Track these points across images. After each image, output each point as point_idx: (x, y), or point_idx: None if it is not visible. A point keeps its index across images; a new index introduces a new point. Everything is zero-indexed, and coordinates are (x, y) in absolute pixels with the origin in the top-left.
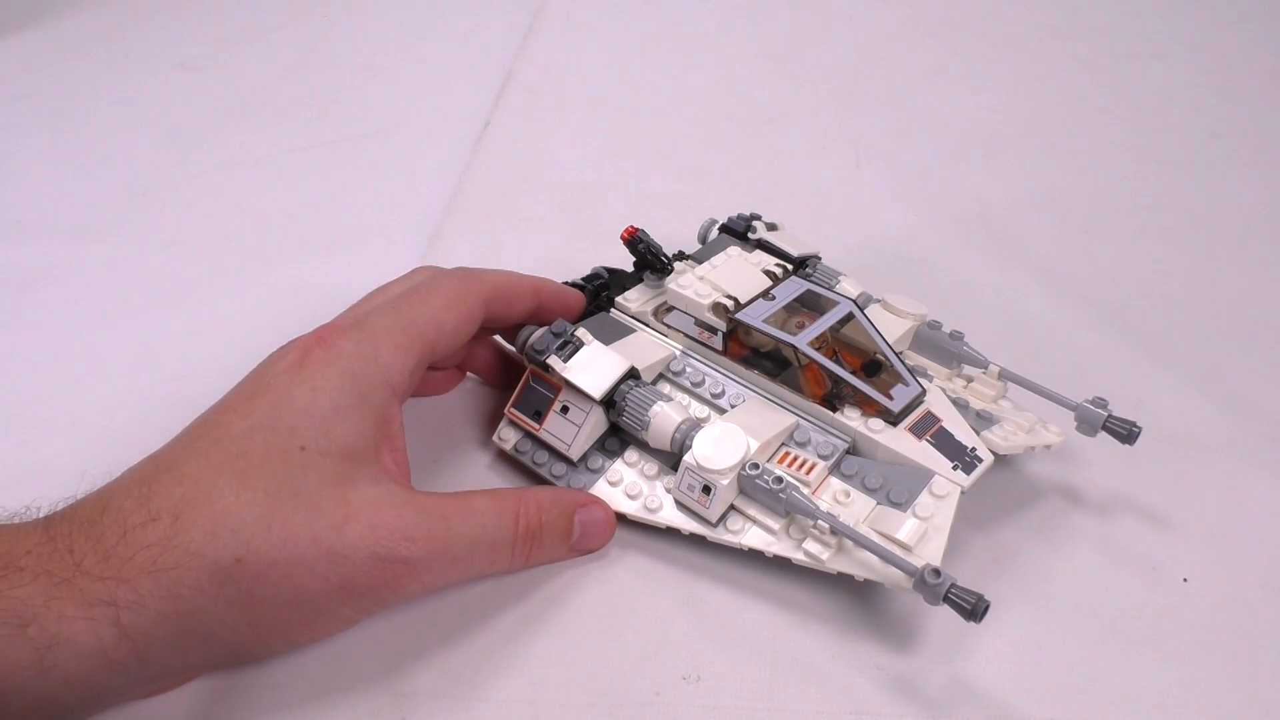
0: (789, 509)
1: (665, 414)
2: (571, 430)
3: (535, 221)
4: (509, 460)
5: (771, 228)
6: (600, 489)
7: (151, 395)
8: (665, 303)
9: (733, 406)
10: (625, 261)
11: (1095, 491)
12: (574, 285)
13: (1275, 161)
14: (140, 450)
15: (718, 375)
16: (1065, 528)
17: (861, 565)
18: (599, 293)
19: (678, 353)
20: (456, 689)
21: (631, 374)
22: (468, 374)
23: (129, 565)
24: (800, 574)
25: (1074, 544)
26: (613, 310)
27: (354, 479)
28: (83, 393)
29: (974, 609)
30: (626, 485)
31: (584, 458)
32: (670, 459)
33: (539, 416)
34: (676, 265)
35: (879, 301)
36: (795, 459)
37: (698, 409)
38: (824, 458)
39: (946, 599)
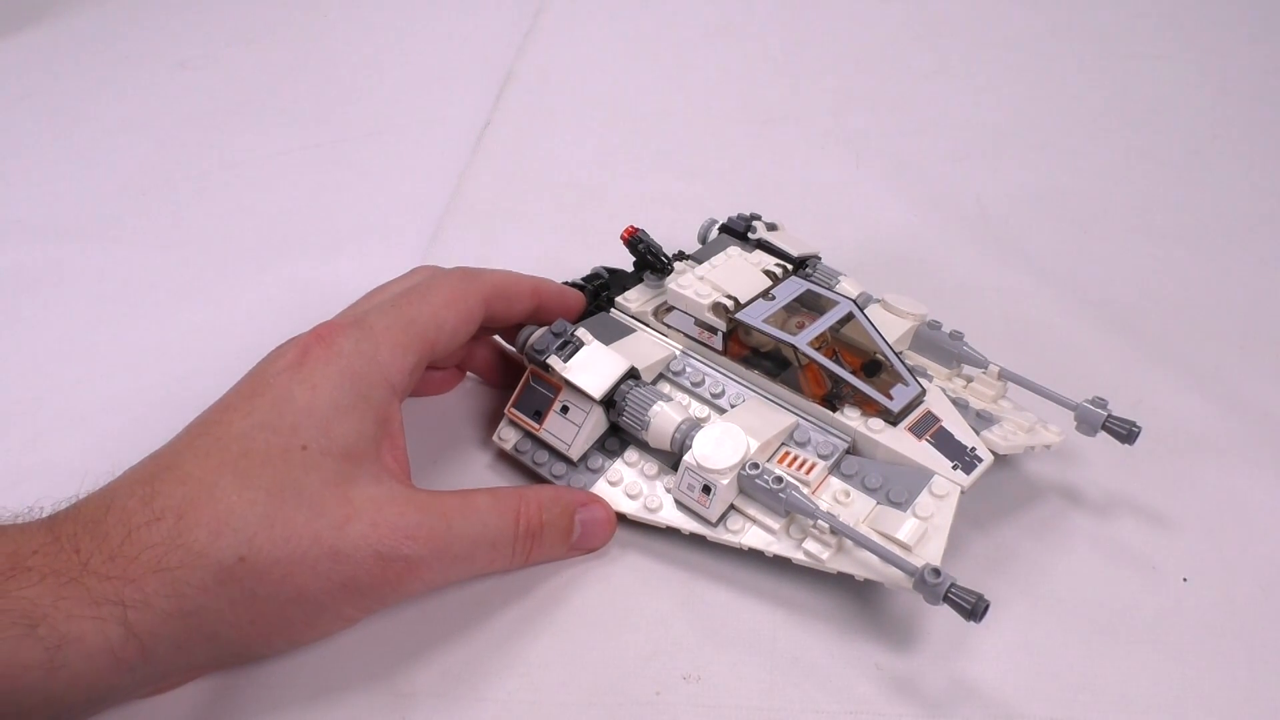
0: (789, 509)
1: (665, 414)
2: (571, 430)
3: (535, 221)
4: (509, 460)
5: (771, 228)
6: (600, 489)
7: (152, 395)
8: (665, 303)
9: (733, 406)
10: (625, 261)
11: (1095, 491)
12: (574, 285)
13: (1275, 161)
14: (142, 450)
15: (718, 375)
16: (1065, 528)
17: (861, 565)
18: (599, 293)
19: (678, 353)
20: (456, 689)
21: (631, 374)
22: (467, 374)
23: (135, 564)
24: (800, 574)
25: (1074, 544)
26: (613, 310)
27: (355, 478)
28: (83, 393)
29: (974, 609)
30: (626, 485)
31: (584, 457)
32: (670, 459)
33: (539, 416)
34: (676, 265)
35: (879, 301)
36: (795, 459)
37: (698, 409)
38: (824, 457)
39: (946, 599)
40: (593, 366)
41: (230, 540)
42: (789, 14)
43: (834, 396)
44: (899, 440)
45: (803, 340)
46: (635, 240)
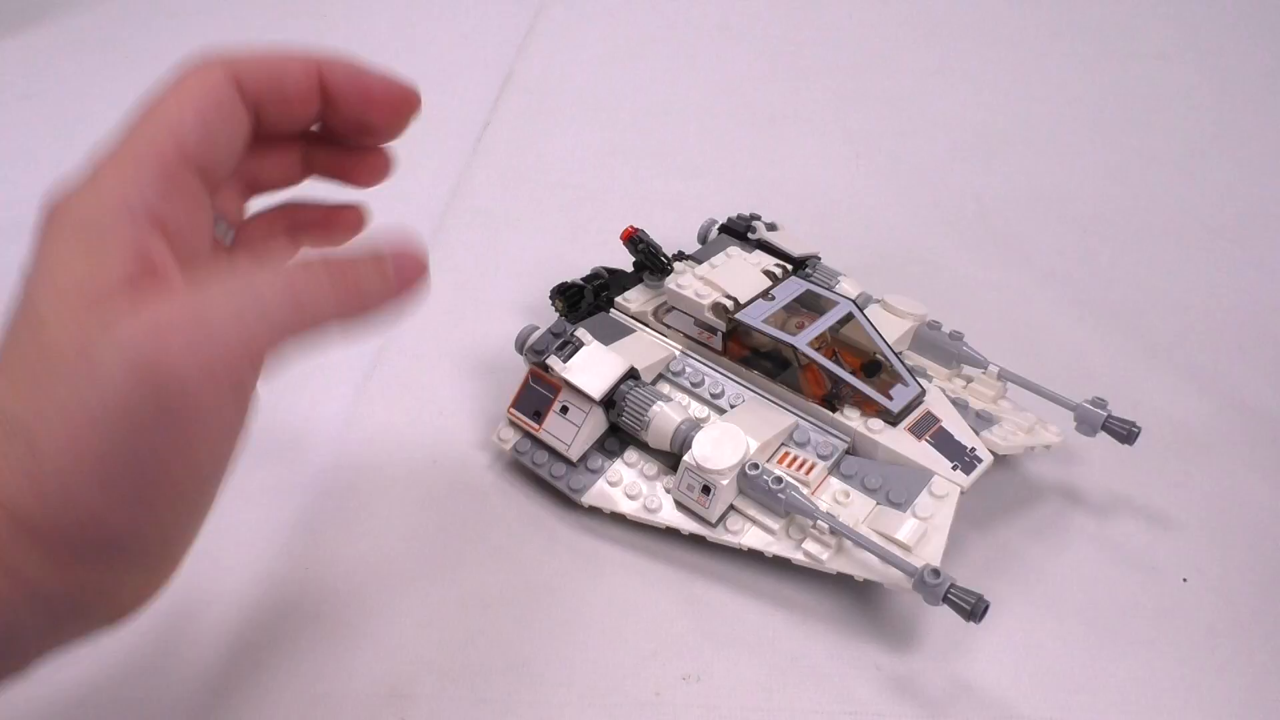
0: (788, 509)
1: (665, 414)
2: (571, 430)
3: (535, 221)
4: (510, 461)
5: (771, 228)
6: (600, 489)
7: None
8: (665, 303)
9: (732, 407)
10: (625, 261)
11: (1095, 491)
12: (573, 285)
13: (1275, 161)
14: None
15: (717, 375)
16: (1065, 528)
17: (861, 565)
18: (599, 293)
19: (677, 353)
20: (456, 689)
21: (631, 374)
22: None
23: None
24: (800, 574)
25: (1074, 544)
26: (612, 310)
27: (100, 323)
28: None
29: (974, 609)
30: (626, 485)
31: (584, 458)
32: (670, 459)
33: (538, 417)
34: (676, 265)
35: (879, 302)
36: (795, 459)
37: (697, 409)
38: (823, 458)
39: (946, 599)
40: (592, 367)
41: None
42: (789, 14)
43: (834, 397)
44: (899, 441)
45: (802, 341)
46: (635, 240)
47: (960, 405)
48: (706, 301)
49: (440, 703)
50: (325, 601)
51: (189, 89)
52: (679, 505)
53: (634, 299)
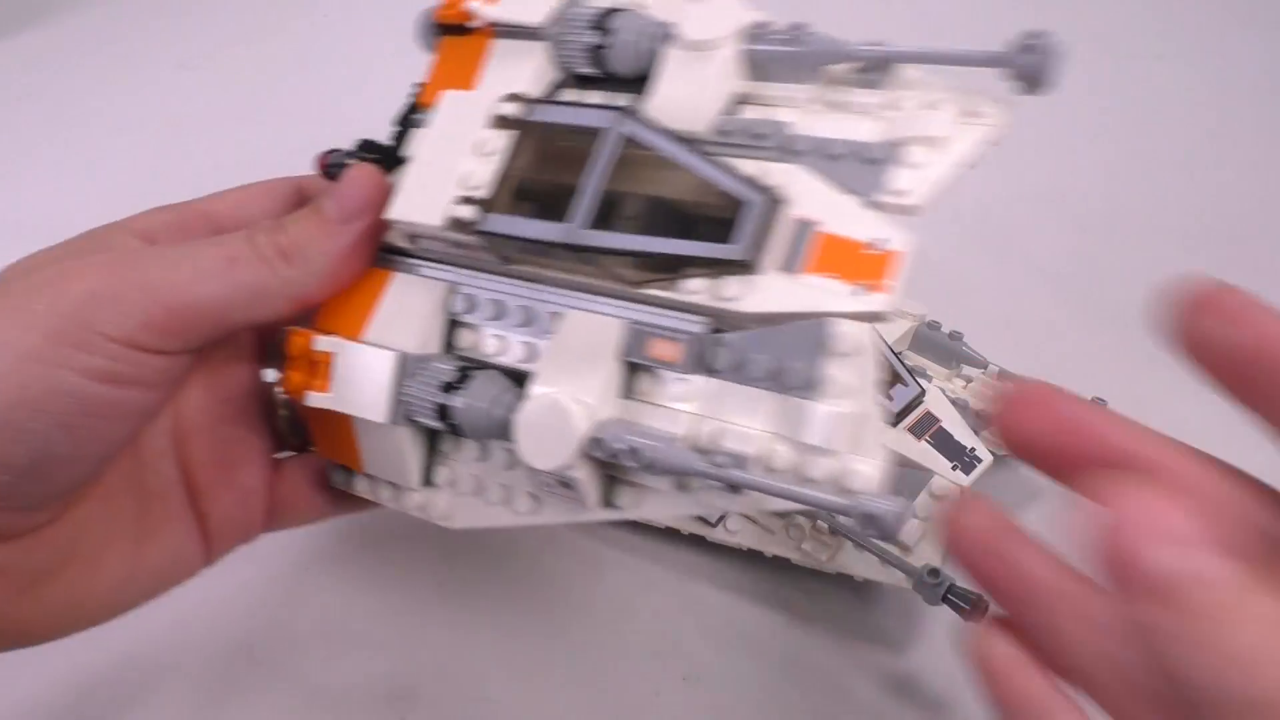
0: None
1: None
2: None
3: None
4: None
5: None
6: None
7: None
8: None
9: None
10: None
11: None
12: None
13: (1275, 161)
14: None
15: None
16: (1065, 528)
17: (861, 565)
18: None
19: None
20: (456, 689)
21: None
22: None
23: None
24: (800, 574)
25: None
26: None
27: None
28: None
29: (973, 609)
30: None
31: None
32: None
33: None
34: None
35: None
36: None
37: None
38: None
39: (945, 599)
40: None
41: None
42: (789, 14)
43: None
44: (898, 441)
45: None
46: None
47: (960, 405)
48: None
49: (440, 703)
50: (324, 601)
51: None
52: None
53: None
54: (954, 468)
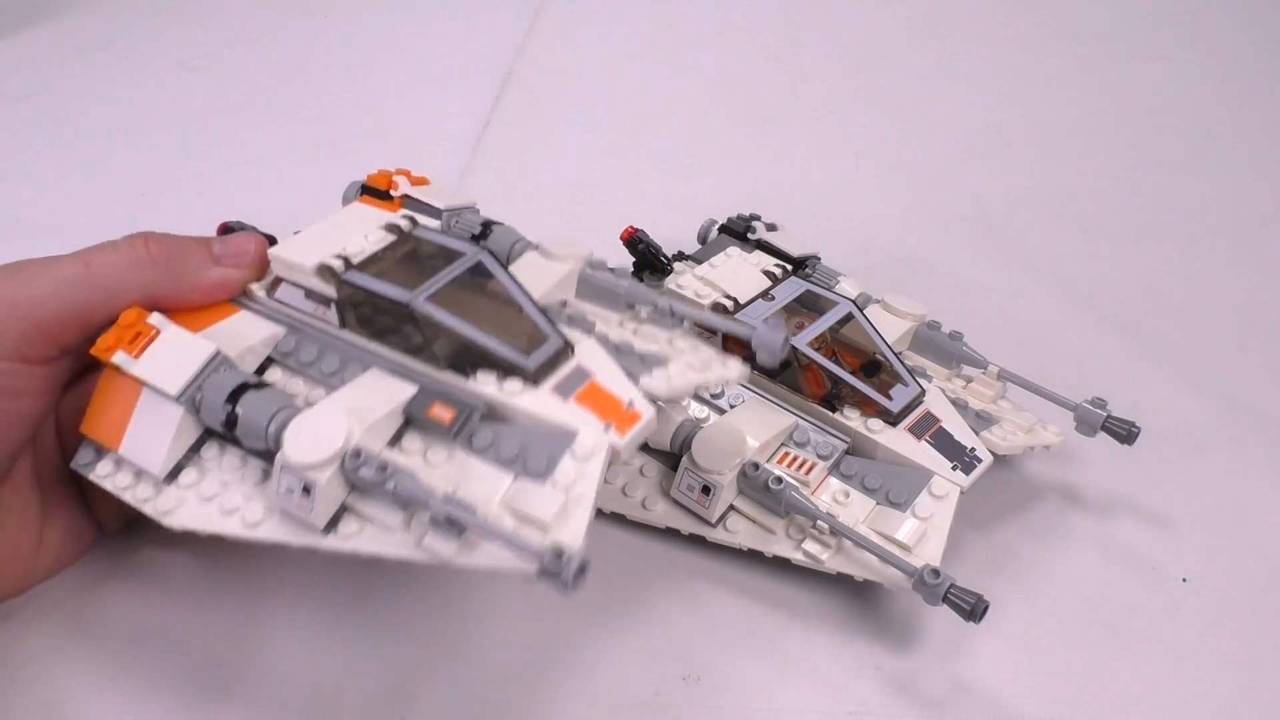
0: (788, 509)
1: (664, 414)
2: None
3: (535, 221)
4: None
5: (771, 228)
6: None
7: None
8: None
9: (732, 407)
10: (625, 261)
11: (1095, 491)
12: None
13: (1275, 162)
14: None
15: None
16: (1065, 528)
17: (861, 565)
18: None
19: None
20: (456, 689)
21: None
22: None
23: None
24: (800, 574)
25: (1074, 544)
26: None
27: None
28: None
29: (973, 609)
30: (625, 485)
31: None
32: (670, 459)
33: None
34: (676, 265)
35: (878, 302)
36: (795, 459)
37: (697, 409)
38: (823, 458)
39: (946, 599)
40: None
41: None
42: (789, 14)
43: (833, 397)
44: (899, 441)
45: (802, 341)
46: (635, 240)
47: (960, 405)
48: (706, 302)
49: (440, 703)
50: (324, 601)
51: None
52: (678, 505)
53: None
54: (954, 468)
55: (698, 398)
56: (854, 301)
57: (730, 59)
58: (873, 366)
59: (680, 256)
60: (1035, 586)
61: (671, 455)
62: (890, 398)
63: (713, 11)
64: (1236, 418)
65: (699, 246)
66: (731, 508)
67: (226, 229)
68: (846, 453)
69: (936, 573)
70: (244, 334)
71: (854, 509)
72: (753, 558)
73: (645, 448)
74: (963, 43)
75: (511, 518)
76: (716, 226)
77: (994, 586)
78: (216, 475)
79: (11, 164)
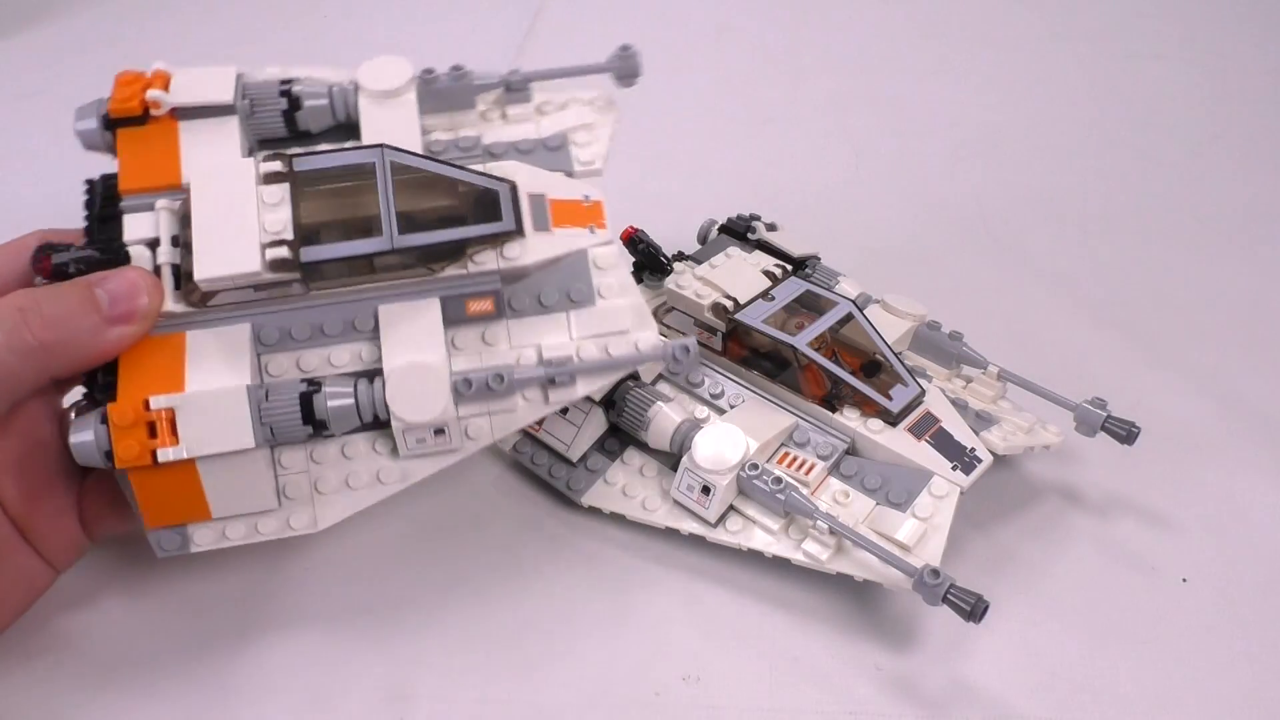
0: (788, 509)
1: (665, 414)
2: (571, 431)
3: None
4: (519, 471)
5: (771, 228)
6: (599, 489)
7: None
8: (665, 303)
9: (732, 407)
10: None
11: (1094, 492)
12: None
13: (1275, 161)
14: None
15: (717, 375)
16: (1065, 528)
17: (861, 565)
18: None
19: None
20: (457, 689)
21: (631, 374)
22: None
23: None
24: (800, 574)
25: (1074, 544)
26: None
27: None
28: None
29: (973, 609)
30: (625, 485)
31: (583, 458)
32: (670, 459)
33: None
34: (676, 265)
35: (878, 302)
36: (795, 459)
37: (697, 409)
38: (823, 458)
39: (946, 599)
40: None
41: None
42: (789, 14)
43: (833, 397)
44: (898, 441)
45: (802, 341)
46: (635, 240)
47: (960, 405)
48: (706, 302)
49: (440, 703)
50: (325, 601)
51: None
52: (678, 505)
53: None
54: (954, 468)
55: (697, 398)
56: (854, 301)
57: (730, 59)
58: (873, 366)
59: (680, 256)
60: (1035, 586)
61: (671, 455)
62: (890, 398)
63: (713, 11)
64: (1236, 418)
65: (699, 246)
66: (731, 508)
67: (45, 250)
68: (846, 453)
69: (936, 573)
70: (222, 355)
71: (854, 509)
72: (753, 558)
73: (645, 448)
74: (963, 43)
75: (593, 343)
76: (716, 226)
77: (994, 586)
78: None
79: (12, 164)
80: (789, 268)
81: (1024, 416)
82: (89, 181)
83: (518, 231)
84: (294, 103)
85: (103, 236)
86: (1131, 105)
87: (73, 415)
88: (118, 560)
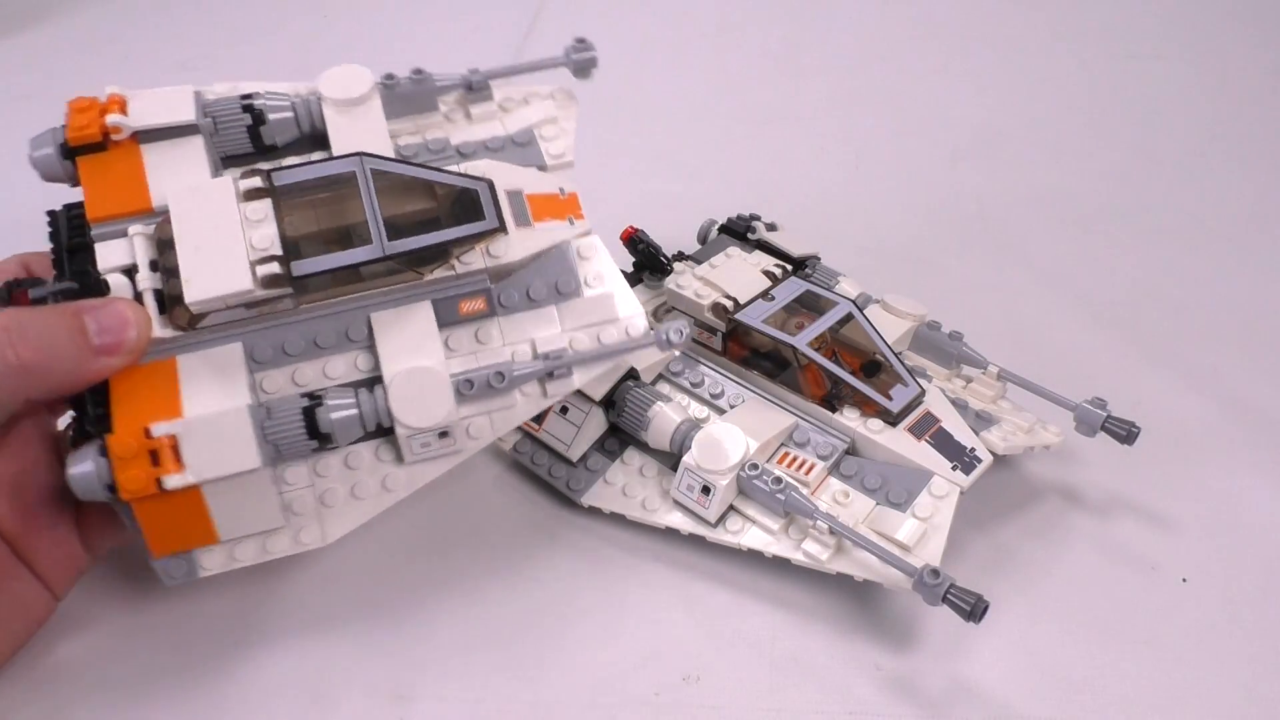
0: (788, 509)
1: (665, 414)
2: (571, 431)
3: None
4: (519, 471)
5: (771, 228)
6: (599, 489)
7: None
8: (665, 303)
9: (732, 407)
10: (625, 261)
11: (1094, 491)
12: None
13: (1275, 161)
14: None
15: (717, 375)
16: (1065, 528)
17: (861, 565)
18: None
19: (677, 353)
20: (456, 689)
21: (631, 374)
22: None
23: None
24: (800, 574)
25: (1074, 544)
26: None
27: None
28: None
29: (973, 609)
30: (625, 486)
31: (583, 458)
32: (670, 459)
33: (539, 417)
34: (676, 265)
35: (878, 302)
36: (795, 459)
37: (697, 409)
38: (823, 458)
39: (945, 599)
40: None
41: None
42: (789, 14)
43: (833, 397)
44: (898, 441)
45: (802, 341)
46: (635, 240)
47: (960, 405)
48: (706, 302)
49: (440, 703)
50: (325, 602)
51: None
52: (678, 505)
53: None
54: (954, 468)
55: (697, 397)
56: (854, 301)
57: (730, 59)
58: (873, 366)
59: (680, 256)
60: (1035, 586)
61: (671, 455)
62: (890, 398)
63: (713, 11)
64: (1236, 418)
65: (699, 246)
66: (731, 508)
67: (20, 285)
68: (846, 453)
69: (936, 573)
70: (217, 377)
71: (854, 509)
72: (753, 558)
73: (645, 448)
74: (963, 43)
75: (584, 334)
76: (716, 226)
77: (994, 586)
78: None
79: (12, 164)
80: (789, 268)
81: (1024, 416)
82: (50, 213)
83: (501, 228)
84: (258, 117)
85: (75, 267)
86: (1132, 105)
87: (69, 435)
88: (115, 575)
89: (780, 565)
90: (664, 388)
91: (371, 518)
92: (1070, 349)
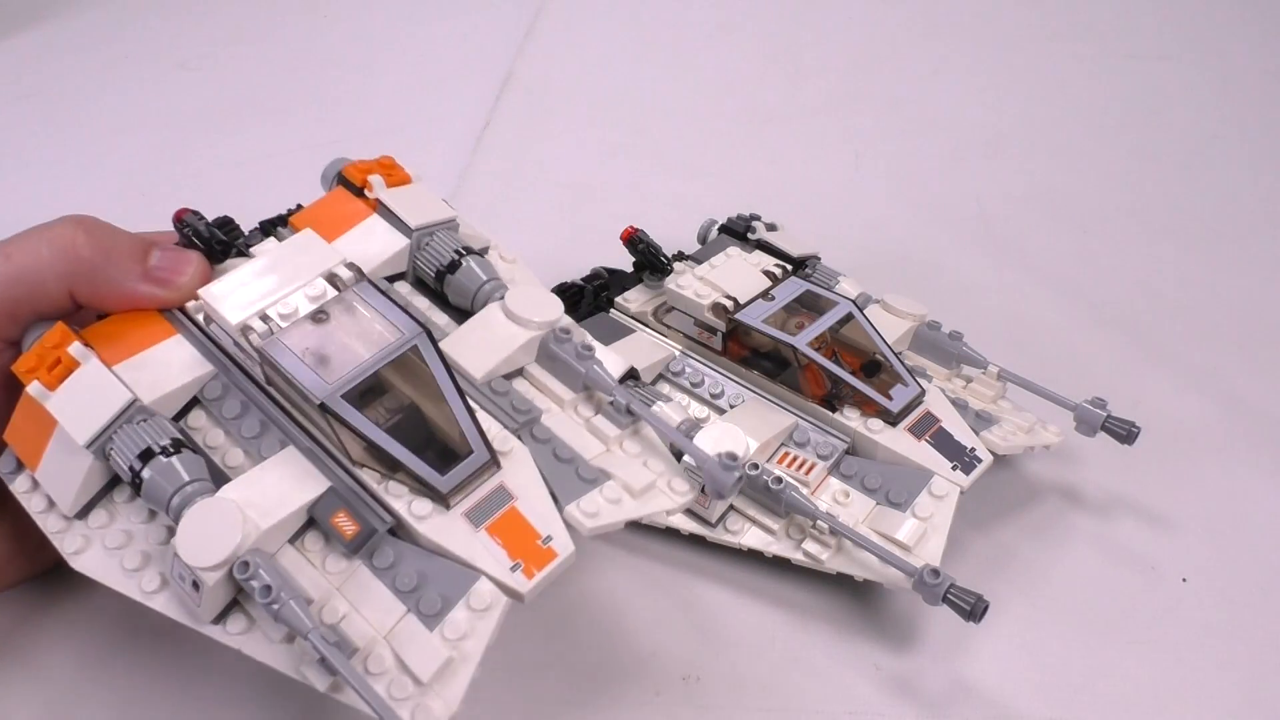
0: (788, 509)
1: (665, 414)
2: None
3: (535, 221)
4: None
5: (771, 228)
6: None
7: None
8: (665, 303)
9: (732, 407)
10: (625, 261)
11: (1094, 491)
12: (573, 285)
13: (1275, 162)
14: None
15: (717, 375)
16: (1065, 528)
17: (861, 565)
18: (599, 293)
19: (677, 353)
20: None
21: (631, 374)
22: None
23: None
24: (800, 574)
25: (1074, 544)
26: (612, 311)
27: None
28: None
29: (973, 609)
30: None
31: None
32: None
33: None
34: (676, 265)
35: (878, 302)
36: (795, 459)
37: (697, 409)
38: (823, 458)
39: (945, 599)
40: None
41: None
42: (789, 14)
43: (833, 397)
44: (898, 441)
45: (802, 341)
46: (635, 240)
47: (960, 405)
48: (706, 302)
49: None
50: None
51: None
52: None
53: (634, 299)
54: (954, 468)
55: (697, 397)
56: (854, 301)
57: (730, 59)
58: (873, 366)
59: (680, 256)
60: (1035, 586)
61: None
62: (890, 398)
63: (713, 11)
64: (1236, 418)
65: (699, 246)
66: (731, 508)
67: (181, 219)
68: (846, 453)
69: (936, 573)
70: (172, 368)
71: (854, 509)
72: (753, 558)
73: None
74: (963, 43)
75: (392, 658)
76: (716, 226)
77: (994, 586)
78: (123, 524)
79: (11, 163)
80: (789, 268)
81: (1024, 416)
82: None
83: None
84: (451, 268)
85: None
86: (1132, 105)
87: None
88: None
89: (780, 565)
90: (664, 388)
91: (111, 587)
92: (1070, 349)
